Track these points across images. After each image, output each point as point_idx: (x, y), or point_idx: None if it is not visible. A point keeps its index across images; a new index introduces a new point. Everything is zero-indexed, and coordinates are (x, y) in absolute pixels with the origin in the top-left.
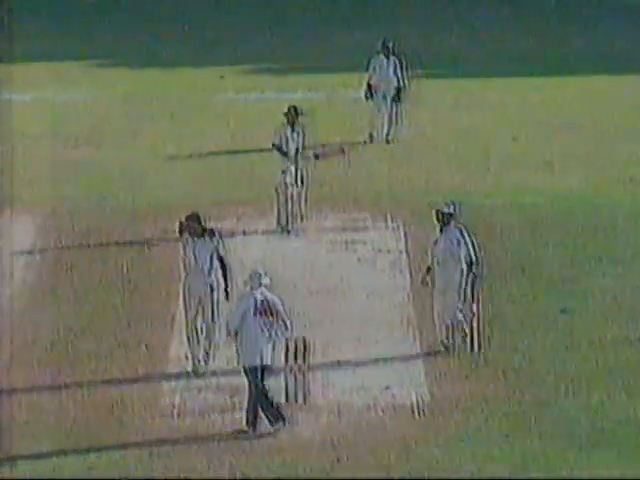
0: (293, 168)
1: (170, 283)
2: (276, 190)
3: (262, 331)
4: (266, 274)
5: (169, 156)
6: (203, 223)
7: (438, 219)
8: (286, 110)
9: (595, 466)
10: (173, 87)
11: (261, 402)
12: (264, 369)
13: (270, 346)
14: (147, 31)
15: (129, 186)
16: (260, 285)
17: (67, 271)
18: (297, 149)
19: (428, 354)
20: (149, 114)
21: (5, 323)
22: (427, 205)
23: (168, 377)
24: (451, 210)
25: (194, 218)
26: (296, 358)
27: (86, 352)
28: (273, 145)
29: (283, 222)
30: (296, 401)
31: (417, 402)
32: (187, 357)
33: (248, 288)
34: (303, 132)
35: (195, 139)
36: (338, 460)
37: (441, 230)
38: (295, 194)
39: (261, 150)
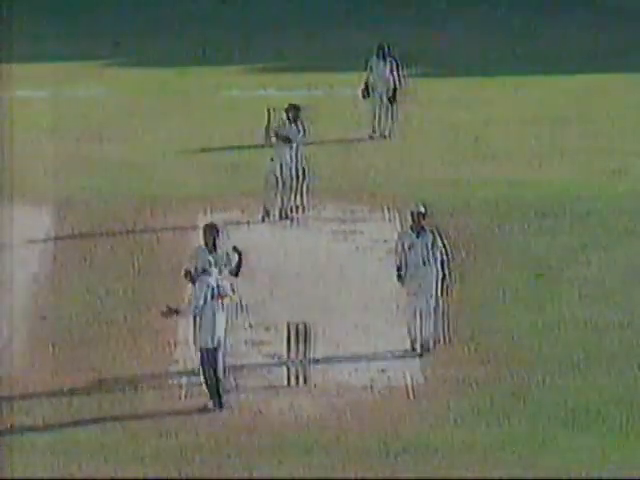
0: (289, 160)
1: (177, 271)
2: (266, 179)
3: (217, 314)
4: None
5: (176, 151)
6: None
7: (414, 220)
8: (287, 107)
9: (581, 446)
10: (179, 85)
11: (210, 383)
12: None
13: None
14: (153, 30)
15: (138, 179)
16: (214, 271)
17: (79, 260)
18: (297, 144)
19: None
20: (156, 111)
21: (19, 309)
22: (421, 198)
23: (175, 360)
24: (423, 210)
25: (213, 229)
26: (297, 342)
27: (98, 336)
28: (276, 135)
29: (268, 207)
30: (297, 383)
31: (411, 384)
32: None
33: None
34: (303, 128)
35: (201, 134)
36: (337, 438)
37: (418, 235)
38: (292, 185)
39: (263, 144)
